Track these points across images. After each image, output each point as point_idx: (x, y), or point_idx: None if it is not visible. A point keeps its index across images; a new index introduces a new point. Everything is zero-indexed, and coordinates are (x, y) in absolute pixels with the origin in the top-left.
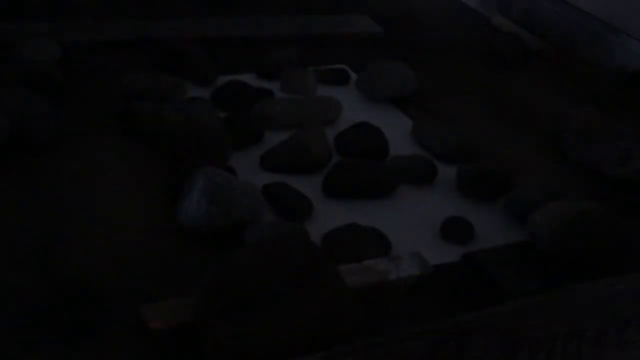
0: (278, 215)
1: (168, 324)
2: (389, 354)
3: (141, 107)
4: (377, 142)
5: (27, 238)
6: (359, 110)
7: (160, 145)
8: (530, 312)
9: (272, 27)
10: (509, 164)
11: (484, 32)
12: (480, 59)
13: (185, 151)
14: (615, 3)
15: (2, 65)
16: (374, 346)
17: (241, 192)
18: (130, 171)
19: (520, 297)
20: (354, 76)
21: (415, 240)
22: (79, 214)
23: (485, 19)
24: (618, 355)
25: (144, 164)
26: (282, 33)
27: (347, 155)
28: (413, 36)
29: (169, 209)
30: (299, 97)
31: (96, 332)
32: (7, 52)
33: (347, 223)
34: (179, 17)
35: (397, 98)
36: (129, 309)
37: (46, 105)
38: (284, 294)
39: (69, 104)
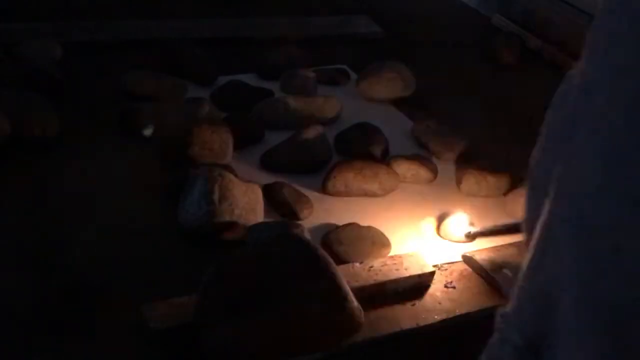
0: (278, 215)
1: (168, 324)
2: (389, 354)
3: (141, 107)
4: (377, 142)
5: (27, 238)
6: (359, 110)
7: (160, 145)
8: None
9: (272, 27)
10: (509, 164)
11: (484, 32)
12: (480, 59)
13: (185, 151)
14: None
15: (2, 65)
16: (374, 346)
17: (241, 192)
18: (130, 171)
19: None
20: (354, 76)
21: (415, 240)
22: (79, 214)
23: (485, 19)
24: None
25: (144, 164)
26: (282, 33)
27: (347, 155)
28: (413, 36)
29: (169, 209)
30: (299, 97)
31: (96, 332)
32: (7, 52)
33: (347, 223)
34: (178, 17)
35: (397, 98)
36: (129, 309)
37: (46, 105)
38: (283, 294)
39: (69, 104)
